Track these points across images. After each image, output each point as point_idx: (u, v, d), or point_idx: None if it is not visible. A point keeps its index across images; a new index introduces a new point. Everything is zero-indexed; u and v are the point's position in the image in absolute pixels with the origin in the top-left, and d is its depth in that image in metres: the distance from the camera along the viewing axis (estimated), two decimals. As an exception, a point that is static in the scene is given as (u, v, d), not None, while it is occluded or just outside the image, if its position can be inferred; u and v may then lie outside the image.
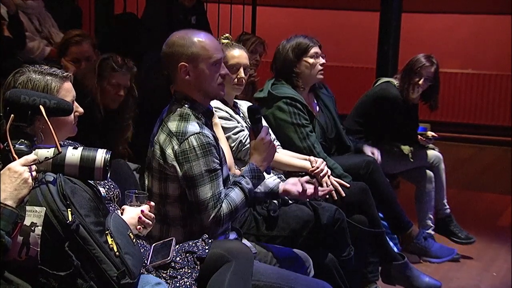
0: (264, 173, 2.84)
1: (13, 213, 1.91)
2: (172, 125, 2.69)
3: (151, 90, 4.37)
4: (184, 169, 2.64)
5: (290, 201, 3.32)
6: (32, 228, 1.99)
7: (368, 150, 4.18)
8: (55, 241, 2.00)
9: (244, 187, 2.72)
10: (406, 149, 4.76)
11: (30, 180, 1.96)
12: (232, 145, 3.39)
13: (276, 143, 3.72)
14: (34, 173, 1.99)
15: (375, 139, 4.75)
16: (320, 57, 3.99)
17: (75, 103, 2.32)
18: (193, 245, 2.54)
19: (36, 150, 2.06)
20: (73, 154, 2.09)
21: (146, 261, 2.44)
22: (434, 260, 4.59)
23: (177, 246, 2.56)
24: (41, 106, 2.04)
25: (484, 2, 9.78)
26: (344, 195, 3.61)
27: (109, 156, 2.12)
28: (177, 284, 2.41)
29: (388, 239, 3.95)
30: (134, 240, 2.18)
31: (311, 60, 3.96)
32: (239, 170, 3.30)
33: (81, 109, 2.36)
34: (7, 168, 1.95)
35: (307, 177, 3.03)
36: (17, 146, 2.01)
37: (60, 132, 2.24)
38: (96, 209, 2.11)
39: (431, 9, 10.03)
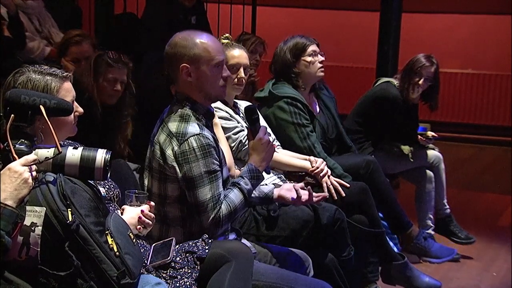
0: (264, 173, 2.84)
1: (13, 213, 1.91)
2: (173, 125, 2.69)
3: (151, 90, 4.37)
4: (183, 170, 2.64)
5: (289, 202, 3.31)
6: (32, 228, 2.00)
7: None
8: (55, 241, 2.00)
9: (243, 188, 2.72)
10: (406, 149, 4.76)
11: (30, 180, 1.96)
12: (232, 145, 3.39)
13: (276, 143, 3.72)
14: (34, 173, 1.99)
15: (375, 139, 4.75)
16: (319, 55, 3.99)
17: (75, 103, 2.32)
18: (193, 245, 2.54)
19: (36, 150, 2.06)
20: (73, 154, 2.10)
21: (146, 261, 2.44)
22: (434, 260, 4.59)
23: (177, 246, 2.56)
24: (41, 106, 2.04)
25: (484, 2, 9.78)
26: (344, 195, 3.61)
27: (109, 156, 2.12)
28: (177, 284, 2.41)
29: (388, 239, 3.95)
30: (134, 240, 2.18)
31: (309, 59, 3.96)
32: (239, 170, 3.30)
33: (81, 109, 2.36)
34: (7, 168, 1.95)
35: (301, 184, 3.03)
36: (17, 146, 2.01)
37: (60, 132, 2.24)
38: (96, 209, 2.11)
39: (431, 9, 10.02)
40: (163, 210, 2.74)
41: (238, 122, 3.46)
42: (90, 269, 2.04)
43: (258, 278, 2.61)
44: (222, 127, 3.34)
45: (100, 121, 3.61)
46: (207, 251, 2.50)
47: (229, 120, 3.42)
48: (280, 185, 3.15)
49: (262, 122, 3.50)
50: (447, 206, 4.93)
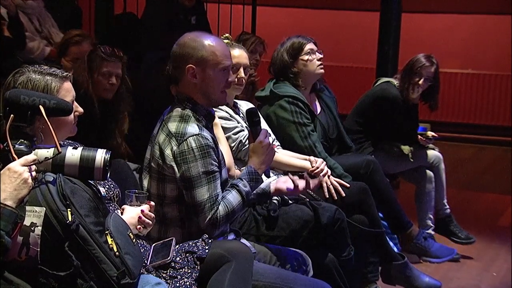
0: (264, 176, 2.84)
1: (13, 213, 1.91)
2: (172, 125, 2.69)
3: (151, 90, 4.38)
4: (181, 170, 2.64)
5: (290, 201, 3.32)
6: (32, 228, 2.00)
7: None
8: (55, 241, 2.00)
9: (241, 189, 2.71)
10: (406, 149, 4.76)
11: (29, 180, 1.96)
12: (232, 145, 3.39)
13: (276, 143, 3.72)
14: (33, 173, 1.99)
15: (375, 139, 4.75)
16: (317, 53, 3.99)
17: (75, 103, 2.32)
18: (193, 245, 2.54)
19: (36, 150, 2.06)
20: (73, 154, 2.09)
21: (146, 261, 2.44)
22: (434, 260, 4.60)
23: (177, 246, 2.56)
24: (40, 106, 2.04)
25: (484, 2, 9.78)
26: (344, 195, 3.61)
27: (109, 156, 2.12)
28: (177, 284, 2.41)
29: (388, 239, 3.95)
30: (134, 240, 2.18)
31: (307, 57, 3.96)
32: (239, 170, 3.30)
33: (80, 109, 2.36)
34: (7, 168, 1.95)
35: (296, 176, 3.03)
36: (16, 146, 2.01)
37: (60, 132, 2.24)
38: (96, 209, 2.11)
39: (431, 9, 10.02)
40: (161, 211, 2.74)
41: (238, 122, 3.46)
42: (90, 269, 2.04)
43: (257, 278, 2.61)
44: (222, 127, 3.34)
45: (98, 116, 3.63)
46: (207, 251, 2.50)
47: (229, 120, 3.42)
48: None
49: (264, 125, 3.49)
50: (447, 206, 4.93)
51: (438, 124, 8.00)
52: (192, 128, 2.66)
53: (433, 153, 4.94)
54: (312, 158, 3.67)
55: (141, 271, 2.24)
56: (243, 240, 2.88)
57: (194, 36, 2.75)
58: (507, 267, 4.59)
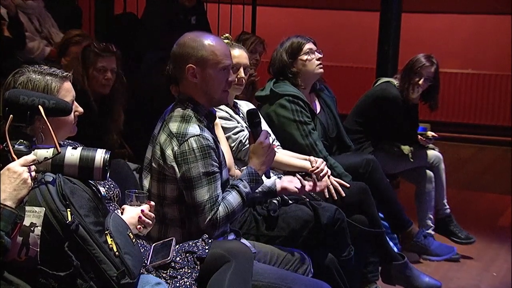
0: (264, 177, 2.84)
1: (13, 213, 1.91)
2: (173, 126, 2.69)
3: (151, 90, 4.38)
4: (182, 170, 2.64)
5: (290, 201, 3.31)
6: (32, 229, 1.99)
7: None
8: (54, 241, 2.00)
9: (242, 190, 2.71)
10: (406, 149, 4.76)
11: (29, 181, 1.96)
12: (232, 145, 3.39)
13: (276, 143, 3.72)
14: (33, 174, 1.99)
15: (375, 139, 4.75)
16: (316, 53, 3.99)
17: (75, 103, 2.32)
18: (193, 245, 2.54)
19: (35, 150, 2.05)
20: (72, 154, 2.09)
21: (146, 261, 2.44)
22: (434, 258, 4.60)
23: (177, 246, 2.56)
24: (40, 107, 2.03)
25: (484, 2, 9.77)
26: (344, 195, 3.61)
27: (108, 156, 2.11)
28: (177, 284, 2.41)
29: (388, 239, 3.95)
30: (134, 240, 2.18)
31: (305, 57, 3.97)
32: (239, 170, 3.30)
33: (80, 109, 2.36)
34: (6, 169, 1.95)
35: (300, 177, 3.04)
36: (16, 146, 2.01)
37: (60, 132, 2.24)
38: (96, 209, 2.11)
39: (431, 9, 10.02)
40: (162, 211, 2.74)
41: (238, 122, 3.46)
42: (90, 269, 2.04)
43: (257, 278, 2.61)
44: (222, 127, 3.34)
45: (96, 112, 3.66)
46: (207, 251, 2.50)
47: (229, 120, 3.42)
48: None
49: (264, 126, 3.50)
50: (447, 206, 4.93)
51: (438, 124, 8.00)
52: (193, 128, 2.66)
53: (433, 153, 4.95)
54: (312, 158, 3.67)
55: (141, 271, 2.24)
56: (244, 240, 2.88)
57: (194, 36, 2.75)
58: (507, 267, 4.59)
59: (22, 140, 2.03)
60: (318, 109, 4.14)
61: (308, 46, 3.99)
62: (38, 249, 2.00)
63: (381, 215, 4.03)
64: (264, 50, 5.25)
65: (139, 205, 2.46)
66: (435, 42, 9.47)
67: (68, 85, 2.29)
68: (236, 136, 3.41)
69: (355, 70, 10.14)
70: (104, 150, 2.12)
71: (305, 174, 3.62)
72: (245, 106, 3.64)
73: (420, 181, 4.87)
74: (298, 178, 3.00)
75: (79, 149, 2.11)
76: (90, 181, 2.16)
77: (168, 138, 2.68)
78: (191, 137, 2.63)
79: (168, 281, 2.41)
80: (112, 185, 2.59)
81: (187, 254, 2.50)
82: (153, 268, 2.44)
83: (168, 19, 5.27)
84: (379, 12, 6.02)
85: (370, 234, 3.65)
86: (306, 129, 3.87)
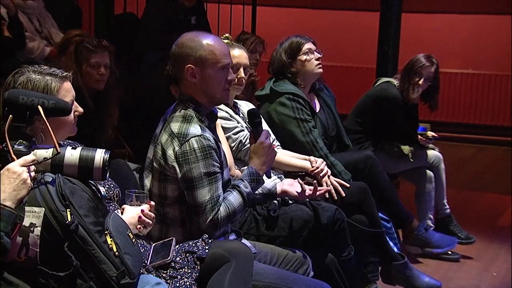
0: (264, 177, 2.84)
1: (12, 213, 1.91)
2: (175, 126, 2.69)
3: (151, 90, 4.38)
4: (183, 170, 2.64)
5: (290, 201, 3.31)
6: (31, 229, 1.99)
7: None
8: (54, 241, 2.00)
9: (243, 190, 2.71)
10: (406, 149, 4.76)
11: (29, 181, 1.96)
12: (232, 145, 3.39)
13: (276, 143, 3.72)
14: (33, 174, 1.99)
15: (375, 139, 4.76)
16: (315, 52, 3.99)
17: (75, 103, 2.32)
18: (193, 245, 2.54)
19: (35, 150, 2.05)
20: (72, 154, 2.09)
21: (146, 261, 2.44)
22: (435, 251, 4.61)
23: (177, 246, 2.56)
24: (39, 107, 2.03)
25: (484, 2, 9.77)
26: (344, 195, 3.61)
27: (108, 156, 2.11)
28: (177, 284, 2.41)
29: (388, 239, 3.95)
30: (133, 240, 2.18)
31: (304, 57, 3.97)
32: (239, 170, 3.30)
33: (80, 109, 2.36)
34: (6, 169, 1.95)
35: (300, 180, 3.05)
36: (15, 146, 2.01)
37: (60, 132, 2.25)
38: (95, 209, 2.10)
39: (431, 9, 10.02)
40: (162, 211, 2.74)
41: (238, 122, 3.46)
42: (90, 269, 2.03)
43: (257, 278, 2.61)
44: (222, 127, 3.34)
45: (92, 109, 3.67)
46: (207, 251, 2.50)
47: (229, 120, 3.42)
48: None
49: (265, 126, 3.50)
50: (447, 206, 4.93)
51: (438, 124, 7.99)
52: (195, 128, 2.66)
53: (433, 153, 4.95)
54: (312, 158, 3.67)
55: (141, 271, 2.24)
56: (244, 240, 2.88)
57: (193, 35, 2.74)
58: (507, 267, 4.58)
59: (21, 140, 2.03)
60: (318, 108, 4.15)
61: (307, 46, 3.99)
62: (38, 249, 2.00)
63: (381, 215, 4.03)
64: (264, 50, 5.25)
65: (139, 205, 2.46)
66: (435, 42, 9.46)
67: (68, 85, 2.29)
68: (236, 136, 3.41)
69: (355, 70, 10.13)
70: (104, 150, 2.12)
71: (305, 174, 3.63)
72: (245, 106, 3.64)
73: (420, 181, 4.87)
74: (299, 182, 3.00)
75: (79, 149, 2.11)
76: (90, 181, 2.16)
77: (170, 138, 2.68)
78: (192, 137, 2.63)
79: (168, 281, 2.41)
80: (112, 185, 2.59)
81: (187, 254, 2.50)
82: (153, 268, 2.44)
83: (168, 19, 5.27)
84: (379, 12, 6.02)
85: (370, 234, 3.65)
86: (306, 127, 3.87)
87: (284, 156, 3.67)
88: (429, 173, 4.86)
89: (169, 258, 2.45)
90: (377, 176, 4.00)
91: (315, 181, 3.08)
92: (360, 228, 3.56)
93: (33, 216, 2.00)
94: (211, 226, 2.62)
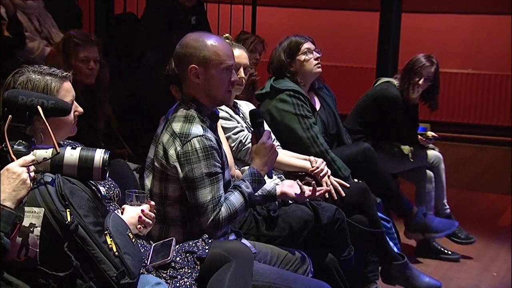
0: (266, 177, 2.84)
1: (12, 214, 1.91)
2: (176, 126, 2.69)
3: (151, 90, 4.38)
4: (185, 170, 2.64)
5: (290, 201, 3.31)
6: (31, 229, 1.99)
7: None
8: (54, 241, 1.99)
9: (244, 191, 2.71)
10: (406, 149, 4.76)
11: (28, 181, 1.96)
12: (232, 145, 3.39)
13: (276, 143, 3.72)
14: (32, 174, 1.99)
15: (375, 139, 4.75)
16: (314, 52, 4.00)
17: (75, 103, 2.32)
18: (193, 245, 2.54)
19: (35, 150, 2.05)
20: (72, 154, 2.09)
21: (146, 261, 2.44)
22: (437, 235, 4.61)
23: (177, 246, 2.56)
24: (39, 107, 2.03)
25: (484, 2, 9.77)
26: (344, 195, 3.61)
27: (108, 156, 2.11)
28: (177, 284, 2.41)
29: (388, 239, 3.95)
30: (133, 240, 2.18)
31: (303, 57, 3.98)
32: (239, 170, 3.30)
33: (80, 109, 2.36)
34: (5, 169, 1.95)
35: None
36: (15, 146, 2.00)
37: (60, 132, 2.24)
38: (95, 209, 2.10)
39: (431, 9, 10.02)
40: (163, 210, 2.74)
41: (238, 122, 3.46)
42: (89, 270, 2.03)
43: (257, 278, 2.61)
44: (222, 127, 3.34)
45: (85, 105, 3.68)
46: (207, 251, 2.50)
47: (229, 120, 3.42)
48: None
49: (266, 127, 3.50)
50: (447, 206, 4.93)
51: (438, 124, 8.00)
52: (196, 129, 2.66)
53: (433, 153, 4.95)
54: (312, 158, 3.67)
55: (141, 271, 2.24)
56: (244, 241, 2.88)
57: (197, 36, 2.74)
58: (507, 267, 4.59)
59: (21, 141, 2.03)
60: (318, 106, 4.15)
61: (306, 45, 4.00)
62: (38, 250, 1.99)
63: (381, 215, 4.03)
64: (264, 49, 5.25)
65: (139, 205, 2.46)
66: (435, 42, 9.47)
67: (68, 85, 2.29)
68: (236, 136, 3.41)
69: (355, 70, 10.13)
70: (104, 150, 2.12)
71: (305, 174, 3.63)
72: (245, 106, 3.64)
73: (420, 181, 4.87)
74: (298, 184, 3.00)
75: (78, 149, 2.11)
76: (90, 181, 2.16)
77: (171, 138, 2.68)
78: (194, 137, 2.63)
79: (168, 281, 2.41)
80: (112, 185, 2.59)
81: (187, 254, 2.50)
82: (153, 268, 2.44)
83: (168, 19, 5.27)
84: (379, 12, 6.02)
85: (370, 234, 3.65)
86: (307, 123, 3.88)
87: (284, 156, 3.66)
88: (429, 173, 4.86)
89: (169, 258, 2.45)
90: (376, 167, 4.02)
91: (313, 182, 3.07)
92: (360, 228, 3.56)
93: (33, 217, 2.00)
94: (213, 227, 2.62)
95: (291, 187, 3.03)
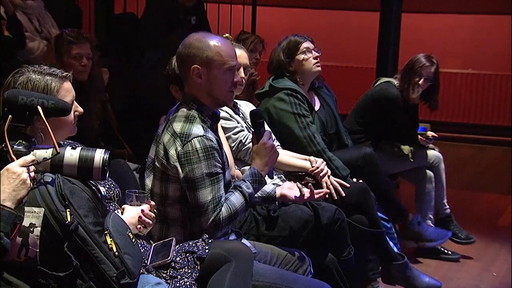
0: (267, 178, 2.84)
1: (12, 214, 1.91)
2: (177, 126, 2.68)
3: (151, 90, 4.38)
4: (185, 170, 2.63)
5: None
6: (31, 229, 1.99)
7: None
8: (54, 241, 1.99)
9: (245, 191, 2.71)
10: (406, 149, 4.76)
11: (28, 181, 1.96)
12: (232, 145, 3.39)
13: (276, 143, 3.72)
14: (32, 174, 1.99)
15: (375, 139, 4.75)
16: (313, 51, 4.00)
17: (75, 103, 2.32)
18: (193, 245, 2.54)
19: (35, 150, 2.05)
20: (72, 154, 2.09)
21: (146, 261, 2.44)
22: (430, 244, 4.61)
23: (177, 246, 2.56)
24: (38, 107, 2.03)
25: (484, 2, 9.77)
26: (344, 195, 3.61)
27: (108, 156, 2.11)
28: (177, 284, 2.41)
29: (388, 239, 3.95)
30: (133, 240, 2.18)
31: (302, 56, 3.98)
32: (239, 170, 3.30)
33: (80, 109, 2.36)
34: (5, 169, 1.95)
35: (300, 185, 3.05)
36: (15, 146, 2.00)
37: (60, 132, 2.24)
38: (95, 209, 2.10)
39: (431, 9, 10.02)
40: (163, 210, 2.74)
41: (238, 122, 3.46)
42: (89, 270, 2.03)
43: (257, 278, 2.61)
44: (222, 127, 3.34)
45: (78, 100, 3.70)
46: (207, 251, 2.50)
47: (229, 120, 3.42)
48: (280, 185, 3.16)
49: (266, 126, 3.50)
50: (447, 206, 4.93)
51: (438, 124, 8.00)
52: (197, 129, 2.66)
53: (433, 153, 4.95)
54: (312, 158, 3.67)
55: (141, 271, 2.24)
56: (244, 241, 2.88)
57: (200, 36, 2.74)
58: (507, 267, 4.58)
59: (21, 141, 2.03)
60: (317, 105, 4.15)
61: (305, 45, 4.00)
62: (38, 250, 1.99)
63: (381, 215, 4.03)
64: (264, 49, 5.25)
65: (139, 205, 2.46)
66: (435, 42, 9.46)
67: (68, 85, 2.29)
68: (236, 136, 3.41)
69: (355, 70, 10.13)
70: (103, 150, 2.12)
71: (305, 174, 3.63)
72: (245, 106, 3.64)
73: (420, 181, 4.87)
74: (298, 187, 3.00)
75: (78, 149, 2.11)
76: (90, 181, 2.16)
77: (172, 138, 2.67)
78: (194, 137, 2.63)
79: (168, 281, 2.41)
80: (112, 185, 2.59)
81: (187, 254, 2.50)
82: (153, 268, 2.44)
83: (168, 19, 5.27)
84: (379, 12, 6.02)
85: (370, 234, 3.65)
86: (304, 122, 3.88)
87: (284, 156, 3.67)
88: (429, 173, 4.86)
89: (169, 258, 2.45)
90: (375, 174, 4.01)
91: (310, 183, 3.07)
92: (360, 228, 3.56)
93: (33, 217, 2.00)
94: (213, 227, 2.62)
95: (290, 189, 3.03)
